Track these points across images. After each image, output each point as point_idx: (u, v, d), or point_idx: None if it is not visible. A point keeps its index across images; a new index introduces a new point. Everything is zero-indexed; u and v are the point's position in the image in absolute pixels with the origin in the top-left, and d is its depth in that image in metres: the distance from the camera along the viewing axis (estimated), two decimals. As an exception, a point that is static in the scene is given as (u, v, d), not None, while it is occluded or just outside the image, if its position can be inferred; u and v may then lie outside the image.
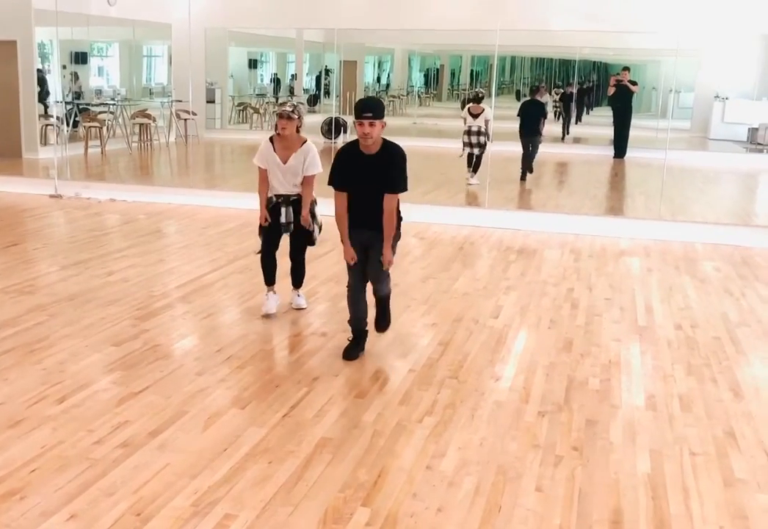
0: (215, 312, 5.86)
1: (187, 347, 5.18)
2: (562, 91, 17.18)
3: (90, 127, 13.51)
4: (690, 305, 6.34)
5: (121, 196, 10.22)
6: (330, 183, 4.80)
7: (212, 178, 12.53)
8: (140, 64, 17.49)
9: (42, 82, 13.16)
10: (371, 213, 4.74)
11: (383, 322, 5.11)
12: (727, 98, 16.18)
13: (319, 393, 4.42)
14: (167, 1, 13.84)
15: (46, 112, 13.28)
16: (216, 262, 7.19)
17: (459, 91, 20.69)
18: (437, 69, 20.95)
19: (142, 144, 14.44)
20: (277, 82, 19.30)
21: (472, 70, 20.97)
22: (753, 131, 15.40)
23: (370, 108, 4.56)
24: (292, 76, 18.82)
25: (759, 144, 15.21)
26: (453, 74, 21.35)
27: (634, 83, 14.11)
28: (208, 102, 15.69)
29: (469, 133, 11.35)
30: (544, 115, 12.25)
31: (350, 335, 5.08)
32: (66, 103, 13.72)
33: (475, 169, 11.46)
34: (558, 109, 16.87)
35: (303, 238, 5.63)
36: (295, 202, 5.53)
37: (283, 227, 5.55)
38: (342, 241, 4.83)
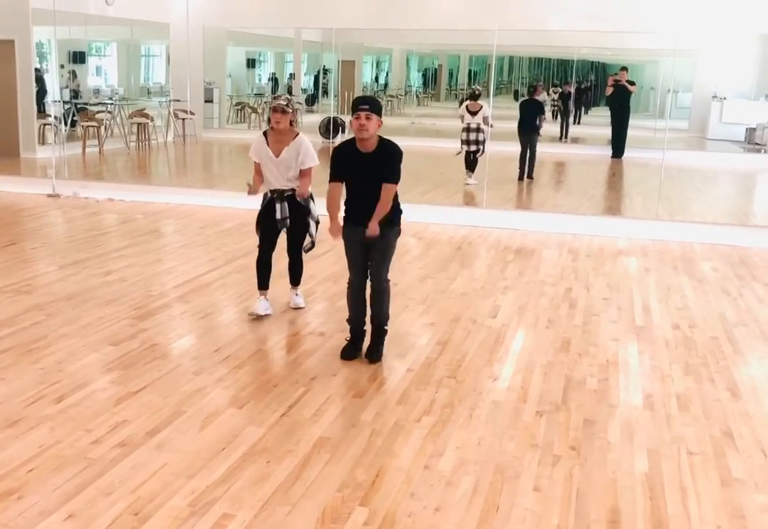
0: (213, 312, 5.86)
1: (184, 347, 5.18)
2: (560, 90, 17.18)
3: (88, 126, 13.50)
4: (688, 304, 6.35)
5: (119, 195, 10.22)
6: (330, 181, 4.84)
7: (210, 178, 12.53)
8: (138, 64, 17.48)
9: (39, 81, 13.15)
10: (370, 210, 4.74)
11: (379, 318, 5.01)
12: (724, 98, 16.21)
13: (317, 393, 4.42)
14: (165, 1, 13.84)
15: (42, 111, 13.26)
16: (214, 262, 7.19)
17: (457, 91, 20.70)
18: (435, 69, 20.96)
19: (140, 144, 14.43)
20: (275, 81, 19.30)
21: (470, 70, 20.99)
22: (750, 131, 15.42)
23: (366, 101, 4.63)
24: (290, 75, 18.82)
25: (756, 144, 15.23)
26: (451, 74, 21.37)
27: (632, 83, 14.12)
28: (206, 101, 15.69)
29: (468, 130, 11.36)
30: (543, 112, 12.28)
31: (348, 335, 5.08)
32: (64, 102, 13.71)
33: (472, 168, 11.46)
34: (556, 108, 16.86)
35: (299, 234, 5.62)
36: (289, 197, 5.51)
37: (279, 223, 5.53)
38: (330, 218, 4.84)
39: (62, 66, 14.57)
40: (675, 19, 10.62)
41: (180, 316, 5.73)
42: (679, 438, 4.02)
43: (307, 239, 5.67)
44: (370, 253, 4.87)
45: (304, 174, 5.47)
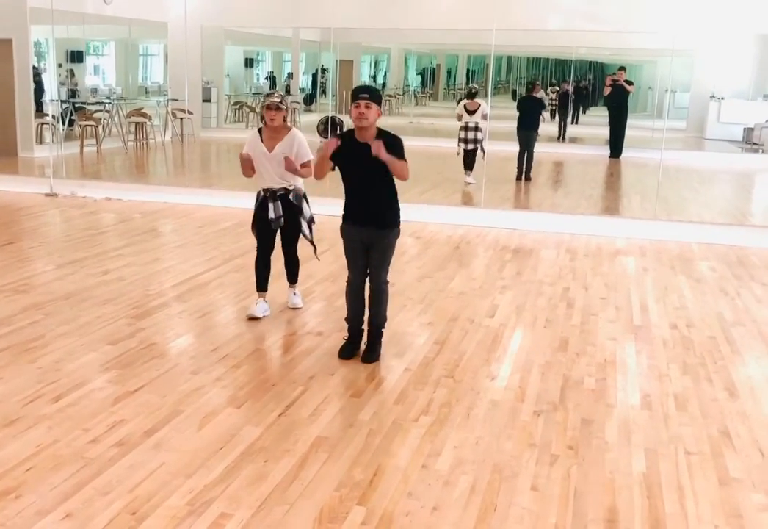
0: (211, 311, 5.86)
1: (182, 346, 5.17)
2: (558, 89, 17.16)
3: (86, 125, 13.49)
4: (685, 304, 6.36)
5: (117, 195, 10.21)
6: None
7: (208, 178, 12.53)
8: (136, 63, 17.47)
9: (36, 80, 13.13)
10: (369, 206, 4.73)
11: (376, 319, 5.01)
12: (722, 98, 16.22)
13: (314, 392, 4.42)
14: (163, 0, 13.82)
15: (40, 110, 13.25)
16: (212, 262, 7.19)
17: (455, 91, 20.70)
18: (433, 68, 20.96)
19: (138, 143, 14.42)
20: (273, 80, 19.29)
21: (468, 70, 20.99)
22: (748, 131, 15.43)
23: (366, 90, 4.62)
24: (289, 74, 18.81)
25: (754, 144, 15.24)
26: (449, 74, 21.36)
27: (630, 83, 14.13)
28: (204, 101, 15.68)
29: (466, 129, 11.36)
30: (543, 108, 12.27)
31: (346, 334, 5.08)
32: (62, 101, 13.70)
33: (470, 167, 11.46)
34: (554, 107, 16.85)
35: (293, 231, 5.59)
36: (282, 196, 5.50)
37: (273, 223, 5.50)
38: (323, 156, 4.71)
39: (60, 65, 14.56)
40: (673, 19, 10.62)
41: (178, 315, 5.73)
42: (677, 438, 4.02)
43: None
44: (369, 254, 4.87)
45: (304, 166, 5.43)
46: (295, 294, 5.91)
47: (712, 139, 16.08)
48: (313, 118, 15.99)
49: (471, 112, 11.31)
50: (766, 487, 3.56)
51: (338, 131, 13.57)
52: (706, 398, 4.53)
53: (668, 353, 5.25)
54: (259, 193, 5.57)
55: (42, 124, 13.13)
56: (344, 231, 4.92)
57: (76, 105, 14.47)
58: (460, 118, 11.48)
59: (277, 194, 5.48)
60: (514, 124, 12.04)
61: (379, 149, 4.48)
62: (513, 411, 4.26)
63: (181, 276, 6.69)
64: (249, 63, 19.07)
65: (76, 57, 15.21)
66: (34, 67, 13.07)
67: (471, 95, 11.54)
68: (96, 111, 14.36)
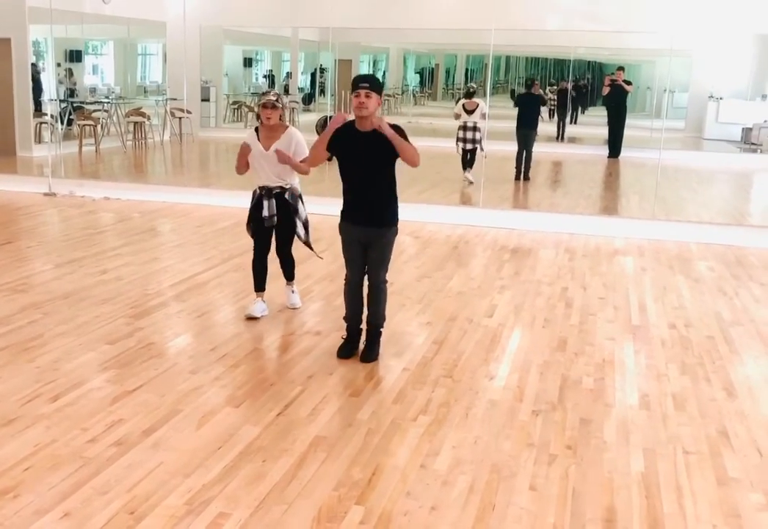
0: (209, 311, 5.86)
1: (181, 346, 5.17)
2: (557, 87, 17.15)
3: (84, 125, 13.48)
4: (684, 304, 6.36)
5: (116, 194, 10.21)
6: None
7: (207, 177, 12.52)
8: (135, 63, 17.46)
9: (34, 79, 13.12)
10: (368, 203, 4.71)
11: (375, 319, 5.00)
12: (721, 98, 16.22)
13: (313, 392, 4.42)
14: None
15: (39, 109, 13.24)
16: (210, 261, 7.19)
17: (454, 91, 20.68)
18: (432, 68, 20.94)
19: (137, 142, 14.41)
20: (271, 79, 19.28)
21: (467, 69, 20.97)
22: (747, 131, 15.43)
23: (366, 79, 4.58)
24: (287, 74, 18.80)
25: (753, 144, 15.24)
26: (448, 73, 21.34)
27: (628, 83, 14.13)
28: (202, 100, 15.67)
29: (464, 129, 11.35)
30: (544, 104, 12.25)
31: (344, 334, 5.08)
32: (60, 101, 13.69)
33: (470, 164, 11.45)
34: (553, 107, 16.85)
35: (287, 232, 5.56)
36: (277, 195, 5.48)
37: (266, 220, 5.47)
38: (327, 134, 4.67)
39: (59, 64, 14.54)
40: (671, 19, 10.62)
41: (176, 315, 5.73)
42: (675, 437, 4.02)
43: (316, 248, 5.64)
44: (368, 253, 4.86)
45: (303, 161, 5.41)
46: (293, 292, 5.90)
47: (711, 139, 16.08)
48: (312, 117, 15.98)
49: (469, 112, 11.30)
50: (765, 487, 3.56)
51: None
52: (705, 398, 4.54)
53: (667, 352, 5.26)
54: (255, 192, 5.57)
55: (41, 123, 13.12)
56: (342, 229, 4.91)
57: (75, 104, 14.46)
58: (458, 117, 11.47)
59: (273, 192, 5.47)
60: (512, 124, 12.03)
61: (381, 122, 4.45)
62: (511, 411, 4.26)
63: (179, 276, 6.69)
64: (248, 62, 19.06)
65: (75, 56, 15.20)
66: (33, 64, 13.06)
67: (469, 95, 11.53)
68: (95, 110, 14.35)
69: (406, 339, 5.33)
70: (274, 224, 5.51)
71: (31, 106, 12.82)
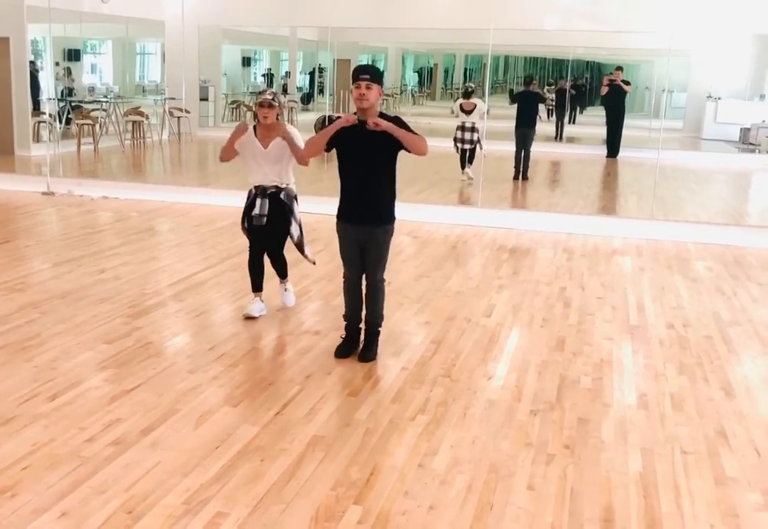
0: (208, 310, 5.86)
1: (179, 345, 5.17)
2: (555, 87, 17.14)
3: (83, 124, 13.47)
4: (682, 304, 6.36)
5: (114, 193, 10.20)
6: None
7: (205, 176, 12.51)
8: (133, 62, 17.45)
9: (32, 78, 13.12)
10: (366, 201, 4.69)
11: (373, 318, 5.00)
12: (719, 98, 16.22)
13: (311, 391, 4.42)
14: (160, -1, 13.81)
15: (37, 108, 13.24)
16: (208, 261, 7.18)
17: (452, 90, 20.69)
18: (431, 68, 20.94)
19: (135, 142, 14.40)
20: (270, 78, 19.27)
21: (465, 69, 20.97)
22: (745, 131, 15.44)
23: (367, 71, 4.54)
24: (286, 73, 18.79)
25: (751, 144, 15.25)
26: (446, 73, 21.35)
27: (627, 83, 14.14)
28: (201, 100, 15.66)
29: (462, 129, 11.35)
30: (543, 101, 12.23)
31: (343, 333, 5.08)
32: (59, 100, 13.68)
33: (470, 161, 11.44)
34: (551, 107, 16.84)
35: (280, 234, 5.52)
36: (272, 195, 5.46)
37: (255, 219, 5.44)
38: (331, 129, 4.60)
39: (57, 63, 14.54)
40: (670, 20, 10.63)
41: (174, 314, 5.72)
42: (673, 437, 4.03)
43: (308, 251, 5.60)
44: (365, 253, 4.85)
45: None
46: (286, 289, 5.84)
47: (709, 139, 16.09)
48: (311, 117, 15.97)
49: (467, 112, 11.29)
50: (762, 486, 3.57)
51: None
52: (703, 398, 4.54)
53: (665, 352, 5.26)
54: (250, 192, 5.54)
55: (39, 122, 13.11)
56: (339, 229, 4.90)
57: (73, 103, 14.46)
58: (453, 111, 11.43)
59: (267, 192, 5.46)
60: (511, 124, 12.03)
61: (375, 120, 4.41)
62: (509, 410, 4.26)
63: (177, 275, 6.68)
64: (246, 62, 19.05)
65: (74, 55, 15.19)
66: (31, 63, 13.05)
67: (467, 94, 11.53)
68: (93, 109, 14.35)
69: (404, 339, 5.33)
70: (262, 224, 5.46)
71: (30, 105, 12.80)
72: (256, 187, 5.49)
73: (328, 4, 12.36)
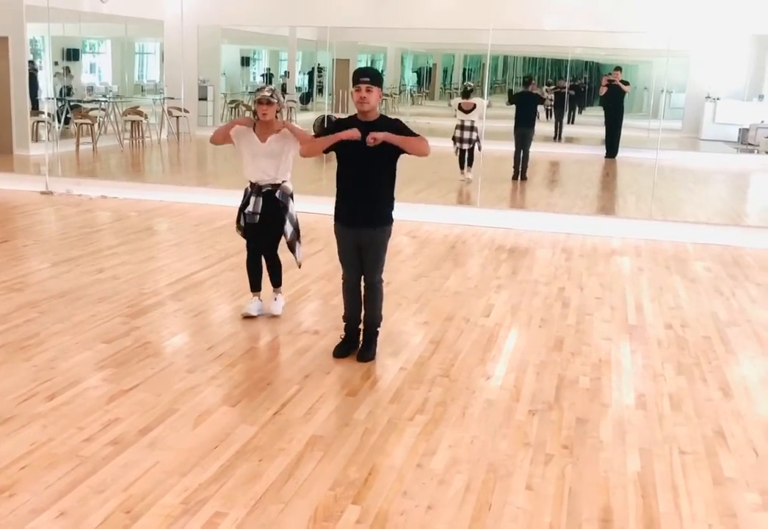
0: (206, 310, 5.85)
1: (177, 345, 5.17)
2: (554, 87, 17.13)
3: (81, 123, 13.46)
4: (680, 304, 6.37)
5: (113, 193, 10.19)
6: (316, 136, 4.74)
7: (204, 176, 12.51)
8: (132, 61, 17.43)
9: (31, 78, 13.11)
10: (366, 201, 4.68)
11: (371, 318, 4.99)
12: (718, 99, 16.22)
13: (310, 391, 4.42)
14: (159, -2, 13.80)
15: (36, 108, 13.23)
16: (207, 260, 7.18)
17: (451, 90, 20.69)
18: (430, 68, 20.94)
19: (134, 141, 14.39)
20: (269, 78, 19.26)
21: (464, 69, 20.97)
22: (744, 132, 15.43)
23: (367, 74, 4.55)
24: (285, 73, 18.79)
25: (750, 144, 15.25)
26: (446, 73, 21.35)
27: (626, 83, 14.14)
28: (200, 99, 15.64)
29: (462, 129, 11.34)
30: (542, 101, 12.23)
31: (343, 333, 5.08)
32: (57, 99, 13.67)
33: (470, 163, 11.44)
34: (550, 107, 16.84)
35: (275, 233, 5.49)
36: (266, 193, 5.44)
37: (247, 216, 5.43)
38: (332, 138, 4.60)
39: (56, 63, 14.53)
40: (669, 20, 10.63)
41: (173, 314, 5.72)
42: (671, 437, 4.03)
43: (299, 252, 5.58)
44: (363, 254, 4.85)
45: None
46: (276, 299, 5.72)
47: (708, 140, 16.09)
48: (310, 116, 15.94)
49: (466, 112, 11.29)
50: (760, 486, 3.57)
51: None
52: (701, 398, 4.54)
53: (663, 352, 5.26)
54: (246, 190, 5.53)
55: (38, 121, 13.10)
56: (337, 232, 4.89)
57: (72, 103, 14.45)
58: (450, 104, 11.43)
59: (263, 190, 5.44)
60: (510, 124, 12.03)
61: (374, 135, 4.42)
62: (508, 410, 4.26)
63: (176, 275, 6.68)
64: (245, 62, 19.04)
65: (72, 55, 15.17)
66: (30, 62, 13.04)
67: (466, 94, 11.52)
68: (92, 109, 14.33)
69: (402, 339, 5.34)
70: (255, 222, 5.45)
71: (28, 105, 12.79)
72: (251, 184, 5.47)
73: (327, 4, 12.36)
